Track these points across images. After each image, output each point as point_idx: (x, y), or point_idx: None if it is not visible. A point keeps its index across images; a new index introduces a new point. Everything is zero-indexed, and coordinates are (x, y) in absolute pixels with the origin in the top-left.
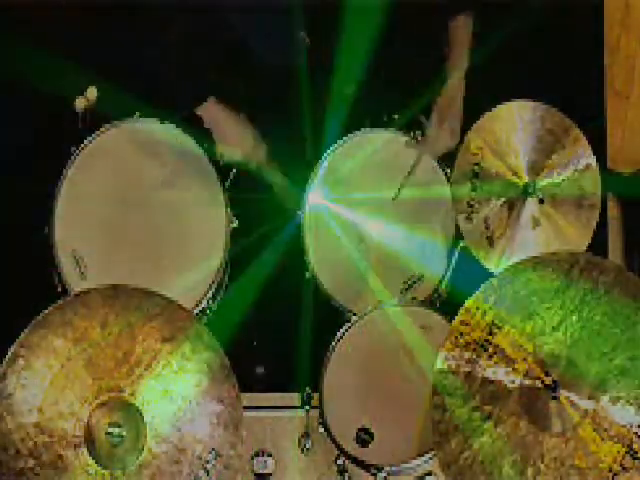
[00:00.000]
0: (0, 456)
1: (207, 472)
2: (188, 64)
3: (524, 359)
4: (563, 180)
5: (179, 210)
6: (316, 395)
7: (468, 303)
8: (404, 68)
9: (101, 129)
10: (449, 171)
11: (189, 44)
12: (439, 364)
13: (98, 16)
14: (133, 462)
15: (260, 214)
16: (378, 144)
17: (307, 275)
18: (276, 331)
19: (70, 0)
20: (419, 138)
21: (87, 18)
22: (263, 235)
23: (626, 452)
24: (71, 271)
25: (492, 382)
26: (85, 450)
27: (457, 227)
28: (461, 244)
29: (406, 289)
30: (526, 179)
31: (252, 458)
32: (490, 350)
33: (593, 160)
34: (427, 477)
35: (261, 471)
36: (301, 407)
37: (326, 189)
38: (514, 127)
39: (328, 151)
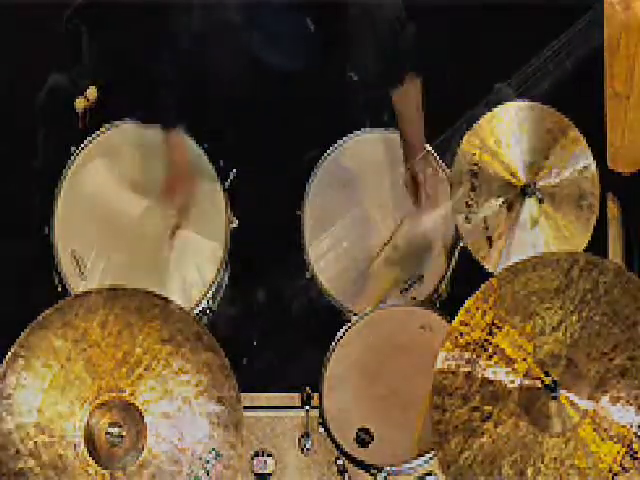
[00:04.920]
0: (0, 456)
1: (207, 472)
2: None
3: (524, 359)
4: (562, 180)
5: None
6: (316, 395)
7: (468, 303)
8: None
9: (101, 129)
10: (448, 171)
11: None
12: (439, 364)
13: (97, 16)
14: (133, 462)
15: (260, 214)
16: (378, 144)
17: (307, 275)
18: (276, 331)
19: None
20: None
21: (88, 17)
22: (263, 235)
23: (626, 452)
24: (71, 271)
25: (492, 382)
26: (85, 450)
27: (456, 227)
28: (461, 244)
29: (406, 289)
30: (525, 179)
31: (252, 458)
32: (490, 350)
33: (592, 160)
34: (427, 477)
35: (261, 471)
36: (301, 407)
37: (326, 189)
38: (513, 127)
39: (328, 151)
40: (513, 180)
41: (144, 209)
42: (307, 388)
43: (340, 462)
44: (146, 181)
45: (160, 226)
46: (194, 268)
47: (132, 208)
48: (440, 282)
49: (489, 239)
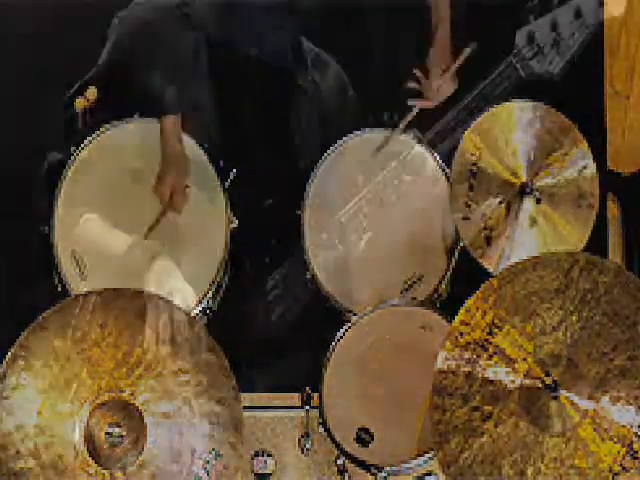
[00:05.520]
0: (0, 456)
1: (207, 472)
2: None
3: (524, 359)
4: (561, 180)
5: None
6: (316, 395)
7: (468, 303)
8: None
9: (101, 129)
10: (448, 171)
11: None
12: (439, 364)
13: (99, 16)
14: (133, 462)
15: (260, 214)
16: (378, 144)
17: (307, 275)
18: (276, 331)
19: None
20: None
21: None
22: (263, 235)
23: (626, 452)
24: (71, 271)
25: (492, 382)
26: (85, 450)
27: (456, 227)
28: (461, 244)
29: (406, 289)
30: (524, 179)
31: (252, 458)
32: (490, 350)
33: (591, 160)
34: (427, 477)
35: (261, 471)
36: (301, 407)
37: (326, 189)
38: (513, 127)
39: (328, 151)
40: (512, 180)
41: (144, 209)
42: (307, 388)
43: (340, 462)
44: (146, 181)
45: (160, 225)
46: (194, 268)
47: (132, 208)
48: (440, 282)
49: (488, 239)
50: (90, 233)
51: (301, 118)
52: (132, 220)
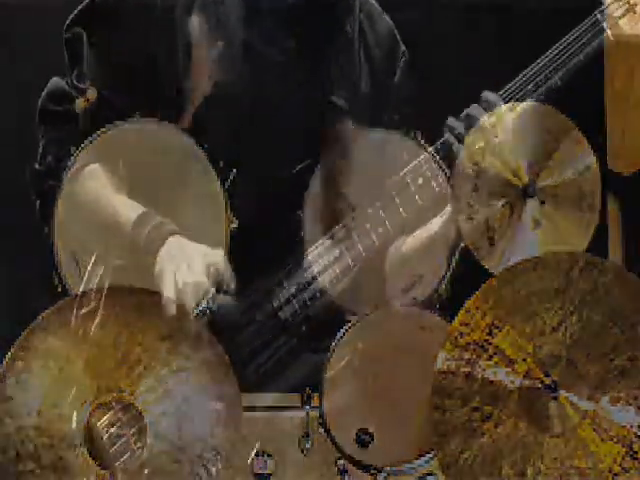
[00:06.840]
0: (0, 459)
1: (207, 471)
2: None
3: (524, 359)
4: (563, 181)
5: (179, 210)
6: (316, 395)
7: (468, 303)
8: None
9: (101, 129)
10: (449, 171)
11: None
12: (439, 365)
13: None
14: (133, 462)
15: (260, 214)
16: (378, 144)
17: (307, 275)
18: (276, 331)
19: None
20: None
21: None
22: (263, 235)
23: (626, 452)
24: (71, 271)
25: (492, 383)
26: (85, 451)
27: (457, 227)
28: (461, 244)
29: (406, 289)
30: (526, 179)
31: (252, 458)
32: (490, 351)
33: (593, 160)
34: (427, 477)
35: (261, 471)
36: (301, 407)
37: (326, 188)
38: (514, 127)
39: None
40: (515, 180)
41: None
42: (307, 388)
43: (341, 462)
44: (145, 182)
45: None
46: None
47: (130, 209)
48: (440, 282)
49: (490, 239)
50: (91, 233)
51: (343, 70)
52: (130, 221)
